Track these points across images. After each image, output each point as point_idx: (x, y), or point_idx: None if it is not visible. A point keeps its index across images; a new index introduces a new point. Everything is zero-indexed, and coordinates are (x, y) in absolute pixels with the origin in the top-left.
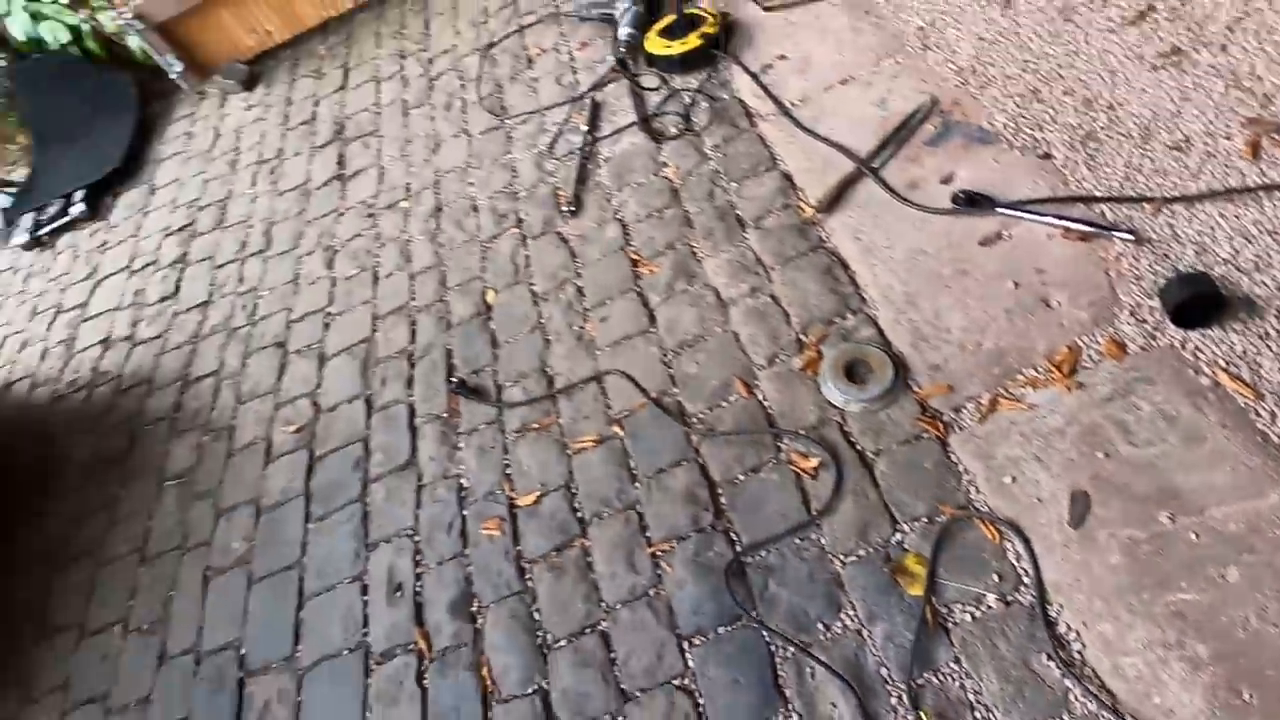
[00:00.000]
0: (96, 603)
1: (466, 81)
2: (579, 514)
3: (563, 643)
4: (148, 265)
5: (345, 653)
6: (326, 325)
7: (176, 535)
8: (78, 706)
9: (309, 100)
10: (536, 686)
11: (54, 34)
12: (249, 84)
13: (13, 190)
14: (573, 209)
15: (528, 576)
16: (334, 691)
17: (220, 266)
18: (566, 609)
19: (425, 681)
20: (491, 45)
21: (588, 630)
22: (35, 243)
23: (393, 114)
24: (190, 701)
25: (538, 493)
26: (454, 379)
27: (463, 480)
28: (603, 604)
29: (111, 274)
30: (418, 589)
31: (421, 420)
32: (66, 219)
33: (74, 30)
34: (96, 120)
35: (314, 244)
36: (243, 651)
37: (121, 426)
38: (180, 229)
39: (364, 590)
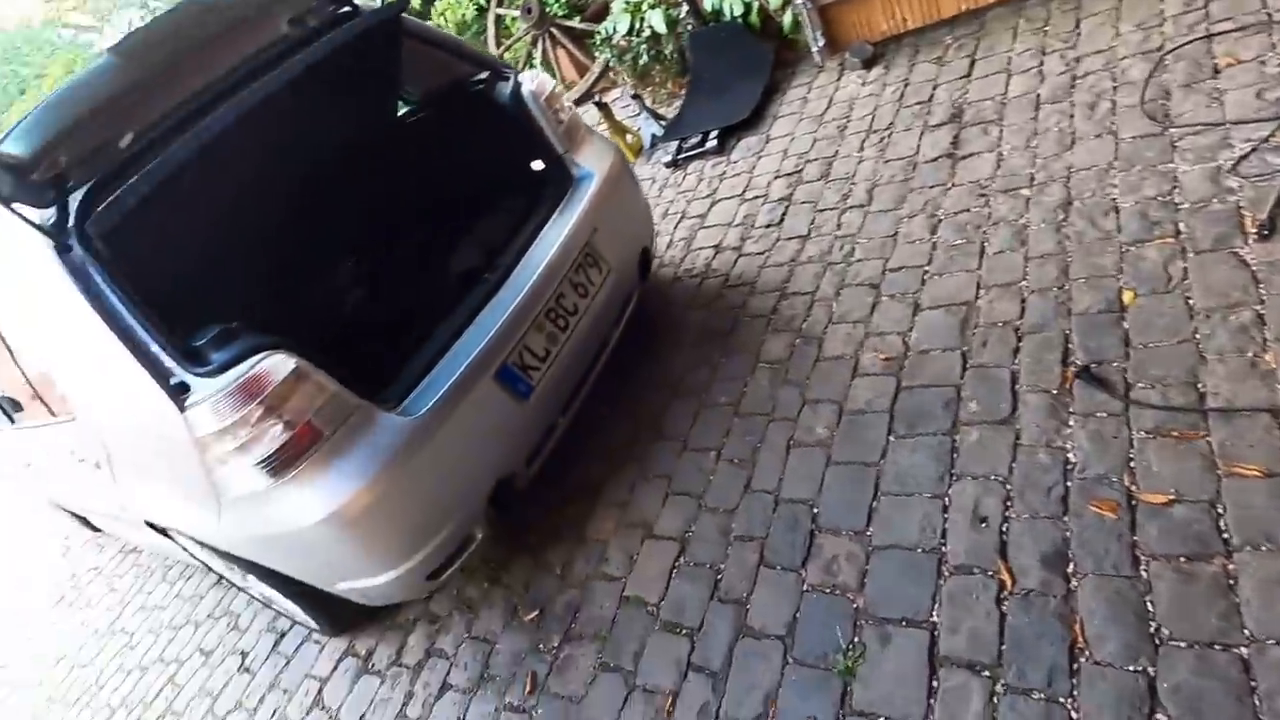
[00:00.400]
0: (697, 430)
1: (1121, 84)
2: (1224, 535)
3: (1182, 644)
4: (757, 197)
5: (919, 550)
6: (922, 281)
7: (766, 405)
8: (676, 495)
9: (927, 83)
10: (1141, 669)
11: (731, 7)
12: (869, 63)
13: (664, 123)
14: (1265, 232)
15: (1142, 567)
16: (904, 573)
17: (821, 211)
18: (1192, 616)
19: (1004, 606)
20: (1166, 50)
21: (1219, 647)
22: (674, 164)
23: (1021, 106)
24: (768, 529)
25: (1170, 496)
26: (1077, 362)
27: (1070, 455)
28: (1245, 631)
29: (726, 198)
30: (1004, 529)
31: (1025, 389)
32: (700, 150)
33: (746, 5)
34: (738, 79)
35: (917, 209)
36: (815, 510)
37: (726, 313)
38: (789, 174)
39: (944, 509)
